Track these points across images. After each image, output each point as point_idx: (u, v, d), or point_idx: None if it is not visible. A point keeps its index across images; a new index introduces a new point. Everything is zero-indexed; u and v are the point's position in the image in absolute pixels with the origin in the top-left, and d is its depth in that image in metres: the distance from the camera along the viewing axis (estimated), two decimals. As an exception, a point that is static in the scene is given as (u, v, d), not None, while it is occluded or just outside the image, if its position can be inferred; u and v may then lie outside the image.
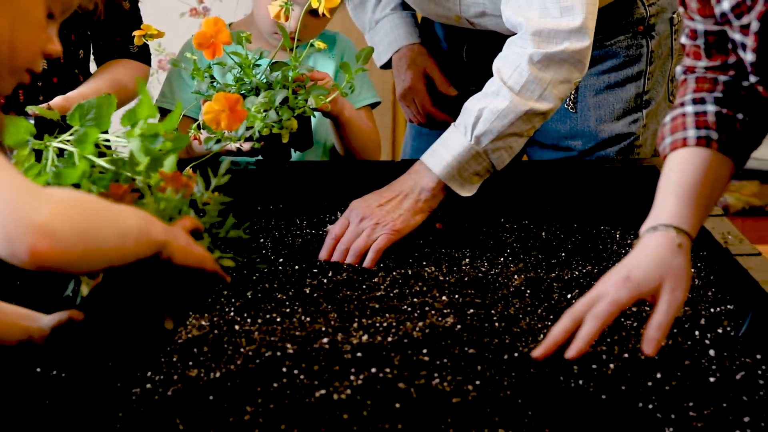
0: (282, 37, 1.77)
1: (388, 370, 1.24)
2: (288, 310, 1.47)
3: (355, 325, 1.40)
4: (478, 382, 1.22)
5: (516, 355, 1.29)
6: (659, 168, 1.85)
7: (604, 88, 2.05)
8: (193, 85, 1.82)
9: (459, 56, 2.16)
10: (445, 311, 1.45)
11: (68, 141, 1.24)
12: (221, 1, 3.64)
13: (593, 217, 1.86)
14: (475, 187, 1.78)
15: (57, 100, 1.81)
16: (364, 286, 1.58)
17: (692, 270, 1.51)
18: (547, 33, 1.71)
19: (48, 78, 1.98)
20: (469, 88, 2.00)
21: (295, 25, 1.87)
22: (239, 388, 1.19)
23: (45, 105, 1.76)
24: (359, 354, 1.28)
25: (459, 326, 1.39)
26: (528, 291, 1.55)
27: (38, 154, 1.27)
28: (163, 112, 1.99)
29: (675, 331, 1.36)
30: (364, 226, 1.74)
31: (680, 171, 1.29)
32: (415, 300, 1.51)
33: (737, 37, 1.24)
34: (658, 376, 1.23)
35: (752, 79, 1.27)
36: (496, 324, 1.41)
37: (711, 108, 1.31)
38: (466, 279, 1.60)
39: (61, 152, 1.26)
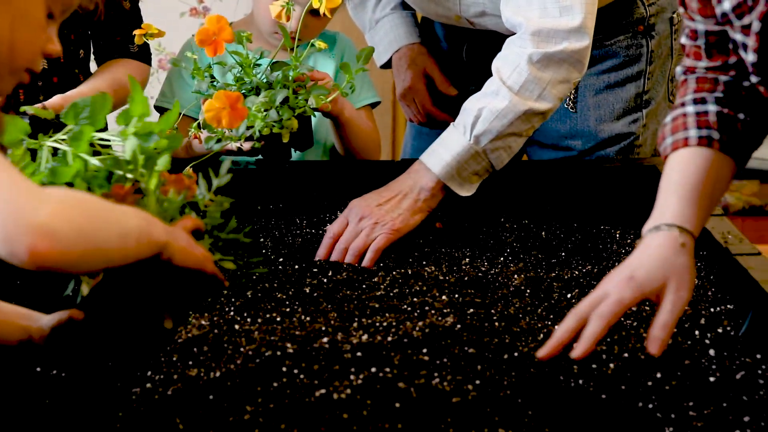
0: (282, 36, 1.77)
1: (388, 369, 1.24)
2: (288, 309, 1.47)
3: (355, 324, 1.40)
4: (478, 382, 1.22)
5: (516, 354, 1.29)
6: (659, 168, 1.86)
7: (604, 87, 2.05)
8: (194, 84, 1.82)
9: (459, 56, 2.16)
10: (445, 311, 1.45)
11: (63, 140, 1.24)
12: (221, 0, 3.64)
13: (593, 217, 1.86)
14: (474, 186, 1.78)
15: (55, 99, 1.81)
16: (364, 286, 1.58)
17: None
18: (546, 33, 1.71)
19: (48, 78, 1.98)
20: (469, 88, 1.99)
21: (295, 25, 1.87)
22: (239, 388, 1.19)
23: (40, 104, 1.76)
24: (359, 353, 1.28)
25: (459, 326, 1.39)
26: (528, 291, 1.55)
27: (34, 154, 1.27)
28: (163, 112, 1.99)
29: (675, 331, 1.36)
30: (363, 226, 1.74)
31: (682, 171, 1.29)
32: (415, 299, 1.51)
33: (738, 37, 1.24)
34: (658, 376, 1.23)
35: (753, 79, 1.27)
36: (496, 324, 1.41)
37: (712, 108, 1.31)
38: (466, 278, 1.60)
39: (56, 151, 1.25)
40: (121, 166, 1.19)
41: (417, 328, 1.37)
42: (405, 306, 1.48)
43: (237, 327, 1.39)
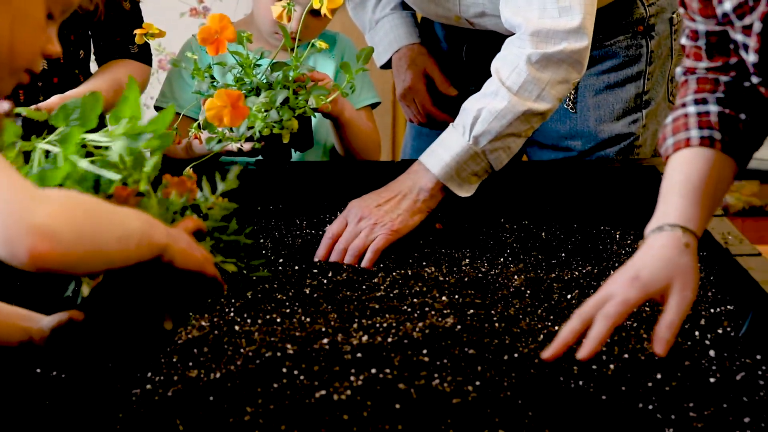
0: (282, 36, 1.77)
1: (388, 370, 1.24)
2: (288, 310, 1.47)
3: (355, 325, 1.40)
4: (478, 383, 1.22)
5: (516, 355, 1.29)
6: (659, 168, 1.86)
7: (604, 88, 2.05)
8: (194, 84, 1.82)
9: (459, 56, 2.16)
10: (445, 311, 1.45)
11: (54, 142, 1.22)
12: (221, 1, 3.64)
13: (593, 217, 1.86)
14: (474, 187, 1.78)
15: (53, 100, 1.81)
16: (363, 287, 1.58)
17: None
18: (546, 33, 1.71)
19: (48, 78, 1.98)
20: (469, 88, 1.99)
21: (296, 25, 1.87)
22: (239, 389, 1.19)
23: (33, 106, 1.76)
24: (359, 354, 1.28)
25: (459, 326, 1.39)
26: (528, 291, 1.55)
27: (28, 156, 1.26)
28: (163, 112, 1.99)
29: (676, 331, 1.37)
30: (363, 226, 1.73)
31: (684, 171, 1.29)
32: (415, 300, 1.51)
33: (739, 37, 1.24)
34: (658, 376, 1.23)
35: (754, 80, 1.27)
36: (496, 324, 1.41)
37: (713, 108, 1.31)
38: (466, 279, 1.60)
39: (48, 154, 1.24)
40: (109, 168, 1.17)
41: (417, 329, 1.37)
42: (405, 307, 1.48)
43: (237, 328, 1.39)
